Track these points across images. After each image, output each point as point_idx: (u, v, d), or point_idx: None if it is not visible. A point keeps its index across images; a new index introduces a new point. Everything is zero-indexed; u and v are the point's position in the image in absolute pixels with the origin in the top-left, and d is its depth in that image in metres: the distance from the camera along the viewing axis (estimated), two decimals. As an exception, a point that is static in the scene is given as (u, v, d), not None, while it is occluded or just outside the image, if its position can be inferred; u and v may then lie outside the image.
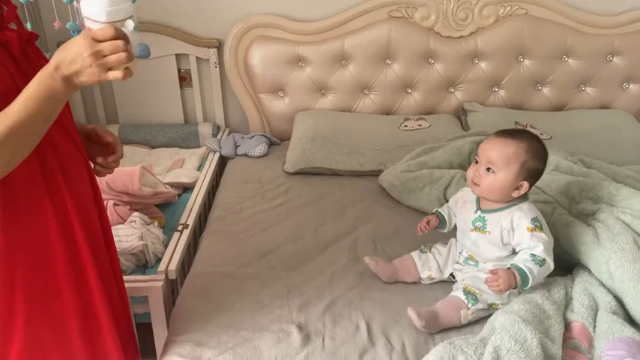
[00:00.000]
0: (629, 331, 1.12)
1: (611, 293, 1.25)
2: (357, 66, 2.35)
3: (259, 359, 1.20)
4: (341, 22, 2.33)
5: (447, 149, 1.95)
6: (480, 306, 1.29)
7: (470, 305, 1.27)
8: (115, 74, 0.87)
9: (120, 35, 0.85)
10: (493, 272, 1.23)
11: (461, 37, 2.34)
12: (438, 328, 1.26)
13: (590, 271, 1.32)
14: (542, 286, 1.27)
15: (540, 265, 1.21)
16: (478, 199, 1.37)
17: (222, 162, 2.31)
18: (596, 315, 1.20)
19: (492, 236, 1.32)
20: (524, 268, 1.21)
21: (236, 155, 2.28)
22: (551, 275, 1.38)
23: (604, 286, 1.27)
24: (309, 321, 1.30)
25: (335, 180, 2.03)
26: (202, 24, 2.38)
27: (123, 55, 0.85)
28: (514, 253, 1.30)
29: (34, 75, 0.89)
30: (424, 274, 1.43)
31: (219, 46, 2.39)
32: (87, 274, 1.06)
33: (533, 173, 1.31)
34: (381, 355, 1.20)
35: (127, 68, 0.88)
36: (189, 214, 1.80)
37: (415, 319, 1.24)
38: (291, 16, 2.35)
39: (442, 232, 1.50)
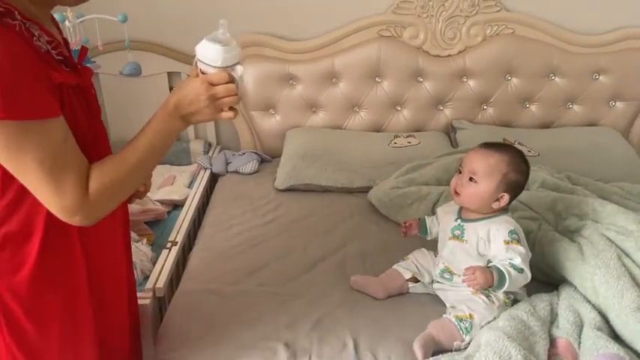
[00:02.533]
0: (613, 346, 1.12)
1: (596, 309, 1.26)
2: (347, 84, 2.38)
3: (245, 377, 1.19)
4: (331, 41, 2.36)
5: (436, 166, 1.97)
6: (473, 332, 1.28)
7: (464, 336, 1.26)
8: (228, 114, 1.01)
9: (232, 79, 0.97)
10: (469, 269, 1.25)
11: (449, 55, 2.37)
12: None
13: (576, 287, 1.33)
14: (528, 302, 1.28)
15: (519, 273, 1.24)
16: (460, 209, 1.41)
17: (214, 179, 2.31)
18: (581, 331, 1.20)
19: (469, 245, 1.34)
20: (503, 269, 1.23)
21: (227, 172, 2.28)
22: (536, 291, 1.40)
23: (589, 302, 1.28)
24: (296, 339, 1.30)
25: (325, 197, 2.04)
26: (194, 42, 2.38)
27: (235, 98, 0.99)
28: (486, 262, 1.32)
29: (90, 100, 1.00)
30: (407, 276, 1.46)
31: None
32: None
33: (513, 186, 1.34)
34: (368, 372, 1.20)
35: (234, 108, 1.01)
36: (179, 231, 1.80)
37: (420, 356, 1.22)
38: (283, 35, 2.38)
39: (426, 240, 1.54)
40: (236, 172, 2.27)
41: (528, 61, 2.34)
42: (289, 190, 2.07)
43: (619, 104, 2.42)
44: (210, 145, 2.55)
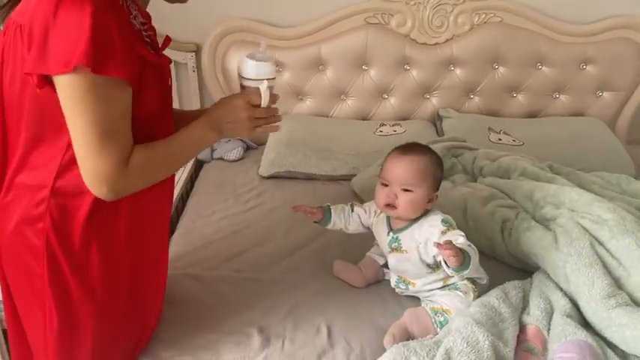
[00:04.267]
0: (581, 334, 1.13)
1: (567, 296, 1.27)
2: (334, 71, 2.37)
3: (218, 361, 1.20)
4: (318, 28, 2.35)
5: (419, 154, 1.96)
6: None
7: (438, 330, 1.25)
8: (261, 130, 1.12)
9: (267, 98, 1.08)
10: (442, 246, 1.14)
11: (436, 44, 2.36)
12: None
13: (549, 275, 1.33)
14: (501, 289, 1.28)
15: (470, 247, 1.19)
16: (388, 219, 1.36)
17: (199, 165, 2.31)
18: (551, 318, 1.21)
19: (410, 255, 1.30)
20: (463, 247, 1.17)
21: (212, 159, 2.28)
22: (511, 278, 1.40)
23: (560, 289, 1.29)
24: (270, 324, 1.30)
25: (308, 184, 2.04)
26: (180, 28, 2.37)
27: (273, 119, 1.11)
28: (433, 266, 1.29)
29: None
30: (381, 262, 1.45)
31: (197, 50, 2.40)
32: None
33: (439, 182, 1.33)
34: (339, 356, 1.21)
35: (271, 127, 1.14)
36: (160, 217, 1.79)
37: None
38: (269, 21, 2.36)
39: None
40: (221, 159, 2.26)
41: (516, 49, 2.34)
42: (273, 177, 2.07)
43: (606, 94, 2.42)
44: (196, 131, 2.53)
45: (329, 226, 1.45)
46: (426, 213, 1.32)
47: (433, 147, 1.97)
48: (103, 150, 0.92)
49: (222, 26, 2.32)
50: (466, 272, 1.18)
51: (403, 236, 1.32)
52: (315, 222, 1.45)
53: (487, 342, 1.09)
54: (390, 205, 1.30)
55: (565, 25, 2.35)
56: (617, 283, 1.25)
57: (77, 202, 1.00)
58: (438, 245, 1.15)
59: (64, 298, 1.05)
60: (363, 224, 1.45)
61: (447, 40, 2.36)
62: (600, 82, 2.38)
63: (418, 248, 1.29)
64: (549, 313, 1.22)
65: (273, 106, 1.13)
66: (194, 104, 2.51)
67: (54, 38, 0.86)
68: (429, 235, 1.27)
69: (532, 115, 2.44)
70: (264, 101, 1.09)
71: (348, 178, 2.03)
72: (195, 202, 1.92)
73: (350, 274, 1.47)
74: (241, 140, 2.35)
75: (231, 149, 2.27)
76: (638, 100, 2.43)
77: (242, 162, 2.25)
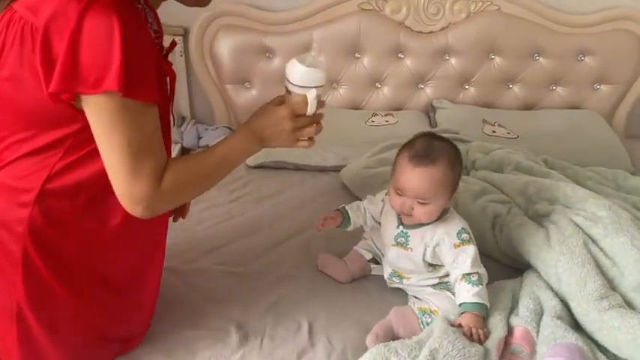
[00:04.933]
0: (571, 336, 1.08)
1: (559, 297, 1.22)
2: (325, 59, 2.26)
3: (193, 359, 1.15)
4: (310, 14, 2.28)
5: (410, 146, 1.90)
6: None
7: (423, 329, 1.21)
8: (303, 144, 1.08)
9: (314, 108, 1.02)
10: (460, 325, 1.13)
11: (431, 32, 2.29)
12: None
13: (540, 274, 1.28)
14: (489, 289, 1.23)
15: (480, 283, 1.16)
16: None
17: (185, 153, 2.24)
18: (541, 319, 1.16)
19: (414, 254, 1.24)
20: (475, 300, 1.14)
21: (198, 147, 2.22)
22: (503, 276, 1.36)
23: (551, 289, 1.24)
24: (250, 320, 1.25)
25: (296, 175, 1.98)
26: (167, 11, 2.27)
27: (313, 129, 1.06)
28: (433, 266, 1.26)
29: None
30: (368, 257, 1.41)
31: (185, 34, 2.33)
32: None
33: (457, 182, 1.24)
34: (320, 356, 1.16)
35: (312, 138, 1.08)
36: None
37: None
38: (259, 5, 2.29)
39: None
40: (207, 147, 2.19)
41: (513, 39, 2.27)
42: (260, 167, 2.01)
43: (604, 87, 2.36)
44: (184, 118, 2.47)
45: (350, 228, 1.40)
46: (443, 214, 1.24)
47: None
48: (135, 171, 0.89)
49: (211, 10, 2.25)
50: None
51: (413, 234, 1.25)
52: (337, 227, 1.39)
53: (474, 348, 1.04)
54: (404, 214, 1.23)
55: (564, 15, 2.28)
56: (611, 284, 1.20)
57: (63, 208, 0.97)
58: (459, 326, 1.14)
59: (41, 302, 1.00)
60: (374, 219, 1.38)
61: (442, 29, 2.29)
62: (598, 74, 2.32)
63: (426, 250, 1.23)
64: (539, 314, 1.17)
65: (319, 112, 1.07)
66: (181, 90, 2.44)
67: (82, 54, 0.82)
68: (442, 242, 1.22)
69: (528, 107, 2.39)
70: (310, 110, 1.03)
71: (337, 169, 1.96)
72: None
73: (334, 268, 1.42)
74: (229, 128, 2.29)
75: (217, 137, 2.20)
76: (636, 94, 2.37)
77: (229, 150, 2.18)
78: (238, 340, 1.19)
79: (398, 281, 1.32)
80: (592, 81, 2.34)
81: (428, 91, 2.36)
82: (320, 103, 1.06)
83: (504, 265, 1.45)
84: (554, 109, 2.36)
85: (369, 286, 1.39)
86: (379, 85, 2.36)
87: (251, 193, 1.85)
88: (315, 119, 1.05)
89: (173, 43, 1.10)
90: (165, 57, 1.04)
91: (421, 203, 1.19)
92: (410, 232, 1.26)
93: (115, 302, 1.10)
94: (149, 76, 0.89)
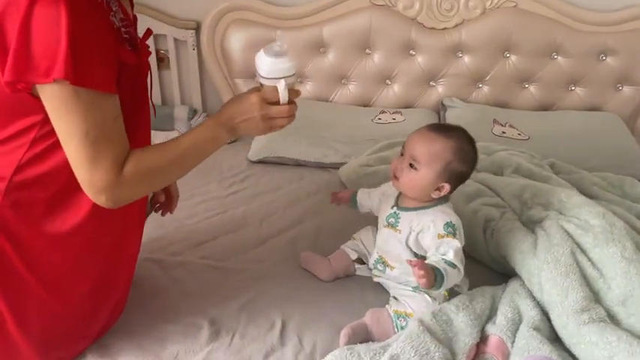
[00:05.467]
0: (546, 349, 1.03)
1: (540, 307, 1.16)
2: (335, 54, 2.27)
3: (161, 351, 1.15)
4: (321, 8, 2.26)
5: (411, 145, 1.86)
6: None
7: (398, 332, 1.18)
8: (276, 129, 1.06)
9: (285, 98, 1.00)
10: (415, 264, 1.09)
11: (445, 28, 2.23)
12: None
13: (524, 282, 1.23)
14: (467, 296, 1.19)
15: (452, 268, 1.11)
16: (398, 195, 1.29)
17: (192, 146, 2.26)
18: (518, 329, 1.11)
19: (402, 236, 1.23)
20: (440, 268, 1.10)
21: (204, 140, 2.23)
22: (490, 281, 1.31)
23: (533, 298, 1.18)
24: (224, 316, 1.24)
25: (297, 171, 1.96)
26: (180, 4, 2.33)
27: (287, 120, 1.04)
28: (416, 256, 1.22)
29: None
30: (353, 257, 1.39)
31: (197, 27, 2.34)
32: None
33: (456, 176, 1.21)
34: (288, 356, 1.14)
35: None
36: (138, 198, 1.76)
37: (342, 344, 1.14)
38: (270, -1, 2.28)
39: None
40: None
41: (529, 37, 2.19)
42: (262, 162, 2.00)
43: (626, 89, 2.25)
44: (195, 111, 2.49)
45: (358, 208, 1.43)
46: (437, 204, 1.23)
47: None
48: (95, 159, 0.90)
49: (222, 4, 2.25)
50: (435, 292, 1.13)
51: (404, 216, 1.25)
52: (348, 205, 1.44)
53: (438, 353, 1.01)
54: (395, 176, 1.25)
55: (584, 12, 2.18)
56: (596, 297, 1.14)
57: (32, 200, 0.97)
58: (409, 262, 1.11)
59: (12, 293, 1.00)
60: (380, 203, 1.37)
61: (456, 25, 2.23)
62: (621, 74, 2.21)
63: (410, 234, 1.22)
64: (516, 324, 1.12)
65: (293, 101, 1.05)
66: (193, 83, 2.46)
67: (32, 44, 0.82)
68: (426, 229, 1.20)
69: (544, 108, 2.30)
70: (283, 100, 1.02)
71: (337, 166, 1.93)
72: (178, 185, 1.85)
73: (317, 265, 1.40)
74: (236, 122, 2.29)
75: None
76: (662, 97, 2.25)
77: (235, 144, 2.18)
78: (209, 335, 1.18)
79: (382, 269, 1.29)
80: (614, 82, 2.23)
81: (439, 89, 2.31)
82: (293, 92, 1.04)
83: (494, 271, 1.40)
84: (572, 110, 2.26)
85: (350, 286, 1.37)
86: (389, 82, 2.32)
87: (248, 188, 1.85)
88: (289, 110, 1.03)
89: (148, 32, 1.10)
90: (137, 46, 1.03)
91: (412, 167, 1.20)
92: (401, 213, 1.25)
93: (86, 295, 1.10)
94: (103, 65, 0.88)
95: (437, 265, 1.10)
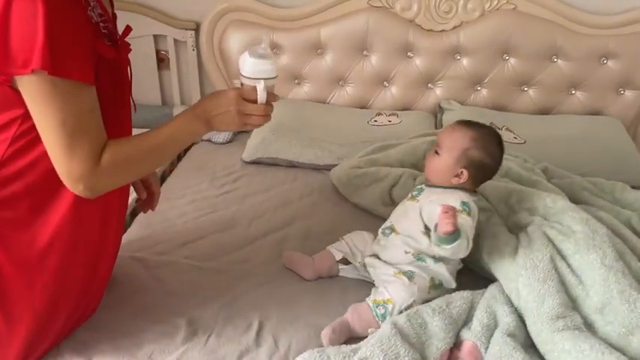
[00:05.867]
0: (518, 356, 1.01)
1: (516, 313, 1.15)
2: (333, 56, 2.27)
3: (136, 351, 1.15)
4: (319, 10, 2.25)
5: (402, 148, 1.85)
6: (389, 319, 1.18)
7: (379, 322, 1.19)
8: (250, 127, 1.08)
9: (263, 99, 1.03)
10: (445, 207, 1.18)
11: (443, 30, 2.22)
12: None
13: (502, 288, 1.21)
14: (444, 299, 1.18)
15: (468, 240, 1.17)
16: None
17: (188, 147, 2.27)
18: (492, 335, 1.10)
19: (418, 205, 1.32)
20: (463, 230, 1.16)
21: (200, 140, 2.24)
22: (474, 285, 1.30)
23: (511, 304, 1.16)
24: (202, 316, 1.25)
25: (290, 172, 1.96)
26: (180, 5, 2.34)
27: (262, 119, 1.05)
28: (426, 231, 1.28)
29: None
30: (338, 257, 1.40)
31: (197, 28, 2.35)
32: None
33: (475, 164, 1.29)
34: (262, 357, 1.14)
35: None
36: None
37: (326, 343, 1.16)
38: (269, 0, 2.28)
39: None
40: (209, 140, 2.22)
41: (529, 40, 2.16)
42: (256, 163, 2.01)
43: (628, 93, 2.21)
44: (195, 111, 2.50)
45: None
46: (460, 189, 1.31)
47: (418, 140, 1.89)
48: (72, 148, 0.92)
49: (221, 5, 2.26)
50: (448, 247, 1.16)
51: (427, 190, 1.35)
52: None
53: (407, 358, 1.00)
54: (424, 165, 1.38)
55: (585, 15, 2.15)
56: (573, 304, 1.12)
57: (14, 194, 0.99)
58: (443, 205, 1.18)
59: None
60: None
61: (454, 27, 2.21)
62: (622, 78, 2.18)
63: (424, 205, 1.29)
64: (491, 330, 1.10)
65: (270, 104, 1.07)
66: (193, 83, 2.47)
67: (10, 37, 0.85)
68: (443, 201, 1.24)
69: (544, 111, 2.27)
70: (260, 100, 1.04)
71: (331, 167, 1.92)
72: (170, 184, 1.88)
73: (300, 264, 1.40)
74: (233, 123, 2.29)
75: (219, 132, 2.21)
76: (665, 101, 2.21)
77: (230, 145, 2.19)
78: (185, 335, 1.19)
79: (388, 232, 1.35)
80: (615, 86, 2.20)
81: (437, 92, 2.29)
82: (271, 96, 1.07)
83: (478, 275, 1.38)
84: (572, 114, 2.23)
85: (331, 288, 1.36)
86: (387, 84, 2.31)
87: (240, 188, 1.85)
88: (265, 109, 1.05)
89: (127, 29, 1.11)
90: (116, 42, 1.05)
91: (436, 153, 1.33)
92: (426, 188, 1.36)
93: (65, 290, 1.11)
94: (80, 56, 0.90)
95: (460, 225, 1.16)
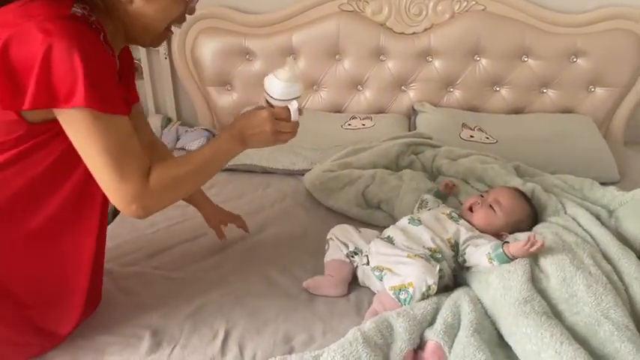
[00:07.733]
0: (481, 356, 1.00)
1: (483, 309, 1.14)
2: (305, 61, 2.27)
3: (98, 364, 1.13)
4: (290, 15, 2.26)
5: (375, 150, 1.85)
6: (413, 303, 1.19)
7: (405, 305, 1.18)
8: (280, 143, 1.14)
9: (296, 117, 1.10)
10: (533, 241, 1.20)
11: (414, 33, 2.23)
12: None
13: (470, 287, 1.21)
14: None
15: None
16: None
17: (162, 155, 2.25)
18: (457, 334, 1.09)
19: (457, 226, 1.35)
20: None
21: (175, 148, 2.22)
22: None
23: (477, 301, 1.16)
24: (168, 327, 1.23)
25: (263, 178, 1.95)
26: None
27: (291, 136, 1.14)
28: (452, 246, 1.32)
29: None
30: (342, 256, 1.39)
31: (169, 37, 2.34)
32: None
33: (516, 229, 1.38)
34: (226, 366, 1.13)
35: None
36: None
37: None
38: (240, 7, 2.28)
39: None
40: (183, 148, 2.20)
41: (499, 40, 2.18)
42: (229, 170, 1.99)
43: (599, 90, 2.22)
44: (169, 120, 2.49)
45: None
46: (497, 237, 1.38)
47: (391, 143, 1.89)
48: (122, 171, 0.97)
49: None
50: (497, 265, 1.21)
51: (465, 224, 1.38)
52: None
53: (370, 362, 0.99)
54: (471, 208, 1.42)
55: (554, 14, 2.17)
56: (542, 295, 1.12)
57: None
58: (529, 235, 1.21)
59: None
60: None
61: (425, 30, 2.22)
62: (592, 76, 2.19)
63: (461, 231, 1.33)
64: (455, 329, 1.09)
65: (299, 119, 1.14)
66: (167, 92, 2.46)
67: (52, 74, 0.89)
68: (480, 244, 1.30)
69: (516, 111, 2.28)
70: (294, 119, 1.11)
71: (305, 173, 1.92)
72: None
73: (323, 287, 1.34)
74: (207, 130, 2.29)
75: (193, 139, 2.20)
76: (636, 97, 2.23)
77: (204, 153, 2.17)
78: (149, 347, 1.16)
79: (416, 220, 1.38)
80: (585, 83, 2.21)
81: (411, 94, 2.29)
82: (299, 112, 1.13)
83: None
84: (544, 113, 2.24)
85: (299, 296, 1.34)
86: (361, 88, 2.31)
87: (212, 196, 1.80)
88: (295, 126, 1.13)
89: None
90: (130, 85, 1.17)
91: (491, 207, 1.40)
92: (464, 222, 1.40)
93: (40, 307, 1.11)
94: (113, 91, 0.96)
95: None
